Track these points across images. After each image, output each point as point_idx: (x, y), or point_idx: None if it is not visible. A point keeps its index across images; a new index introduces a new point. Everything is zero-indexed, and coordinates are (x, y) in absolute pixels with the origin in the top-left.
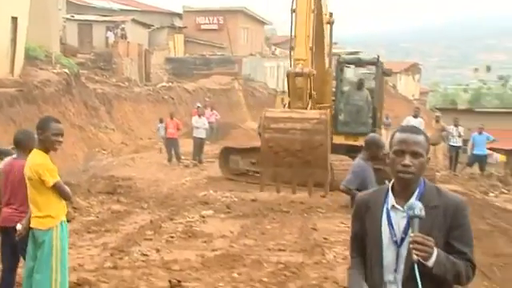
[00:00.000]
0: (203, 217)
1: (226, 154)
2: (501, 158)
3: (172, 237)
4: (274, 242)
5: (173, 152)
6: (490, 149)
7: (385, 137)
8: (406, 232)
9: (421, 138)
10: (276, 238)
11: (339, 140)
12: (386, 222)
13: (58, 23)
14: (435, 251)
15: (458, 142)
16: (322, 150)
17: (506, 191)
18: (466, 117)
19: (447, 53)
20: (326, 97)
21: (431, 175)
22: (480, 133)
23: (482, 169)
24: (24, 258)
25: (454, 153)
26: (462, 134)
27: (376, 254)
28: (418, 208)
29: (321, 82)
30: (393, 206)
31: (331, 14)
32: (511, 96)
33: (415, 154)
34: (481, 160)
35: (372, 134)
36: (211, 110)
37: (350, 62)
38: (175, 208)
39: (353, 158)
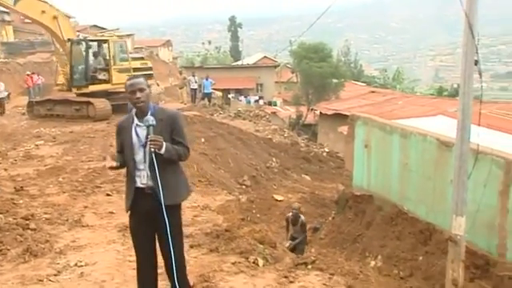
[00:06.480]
0: (37, 145)
1: (31, 105)
2: (218, 94)
3: (15, 160)
4: (85, 156)
5: None
6: (213, 89)
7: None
8: (146, 138)
9: (141, 79)
10: (87, 153)
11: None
12: (135, 134)
13: None
14: (164, 144)
15: (195, 86)
16: None
17: (222, 113)
18: (199, 71)
19: (186, 33)
20: None
21: (156, 101)
22: (207, 79)
23: (209, 101)
24: None
25: (193, 92)
26: (197, 81)
27: (130, 154)
28: (151, 120)
29: None
30: (137, 124)
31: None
32: (223, 59)
33: (141, 90)
34: (208, 96)
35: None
36: (38, 76)
37: (93, 40)
38: (17, 141)
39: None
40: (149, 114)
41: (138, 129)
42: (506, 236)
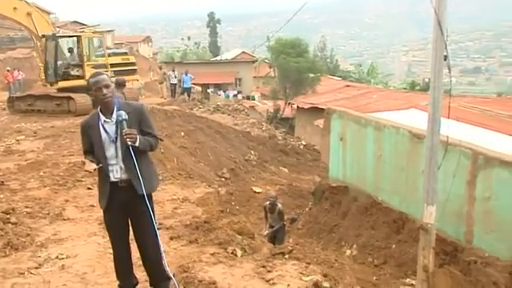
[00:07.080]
0: (18, 140)
1: (11, 100)
2: (198, 88)
3: None
4: (66, 151)
5: None
6: (193, 84)
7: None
8: (116, 133)
9: (104, 76)
10: (68, 148)
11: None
12: (103, 131)
13: None
14: (138, 137)
15: (174, 81)
16: None
17: (201, 107)
18: (178, 66)
19: (165, 29)
20: None
21: (136, 96)
22: (186, 74)
23: (188, 95)
24: None
25: (173, 87)
26: (176, 76)
27: (101, 151)
28: (123, 115)
29: None
30: (104, 120)
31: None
32: (202, 54)
33: (106, 86)
34: (188, 91)
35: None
36: (18, 71)
37: (63, 36)
38: None
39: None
40: (115, 109)
41: (105, 125)
42: (473, 223)
